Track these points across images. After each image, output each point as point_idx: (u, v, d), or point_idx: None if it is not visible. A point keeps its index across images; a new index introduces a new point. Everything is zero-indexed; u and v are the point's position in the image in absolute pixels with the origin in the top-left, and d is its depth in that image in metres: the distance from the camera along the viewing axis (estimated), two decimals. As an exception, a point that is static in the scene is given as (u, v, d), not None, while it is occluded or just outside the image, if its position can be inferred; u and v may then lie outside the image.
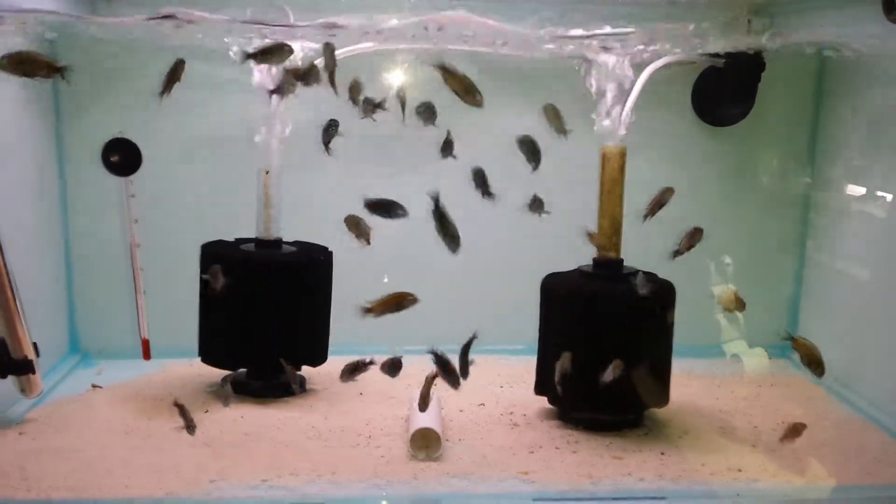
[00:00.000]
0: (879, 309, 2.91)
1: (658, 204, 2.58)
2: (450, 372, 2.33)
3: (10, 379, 2.56)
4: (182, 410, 2.50)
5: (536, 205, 2.52)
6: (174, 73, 2.44)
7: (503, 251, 3.24)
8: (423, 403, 2.40)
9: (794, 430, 2.44)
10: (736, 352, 3.23)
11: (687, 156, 3.34)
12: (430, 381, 2.39)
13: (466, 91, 2.38)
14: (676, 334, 2.70)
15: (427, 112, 2.50)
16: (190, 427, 2.48)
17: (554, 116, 2.49)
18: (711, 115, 3.28)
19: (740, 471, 2.41)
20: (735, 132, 3.30)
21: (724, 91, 3.17)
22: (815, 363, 2.40)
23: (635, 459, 2.46)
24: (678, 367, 2.76)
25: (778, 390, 3.07)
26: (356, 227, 2.46)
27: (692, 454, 2.51)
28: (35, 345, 2.56)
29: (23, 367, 2.53)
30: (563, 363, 2.48)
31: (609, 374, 2.44)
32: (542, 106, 2.51)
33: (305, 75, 2.46)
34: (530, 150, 2.49)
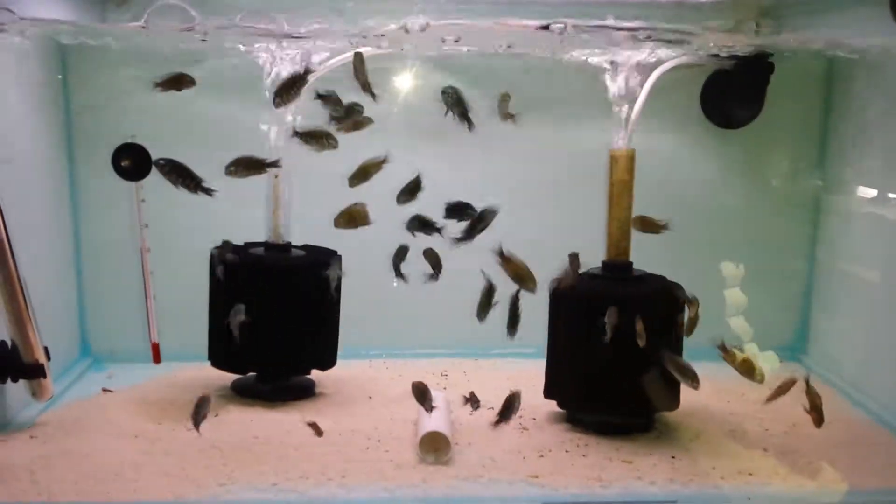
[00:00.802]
0: (891, 311, 2.89)
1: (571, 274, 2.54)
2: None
3: (22, 383, 2.57)
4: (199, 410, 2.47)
5: (415, 226, 2.51)
6: (176, 83, 2.49)
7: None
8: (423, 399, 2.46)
9: (782, 389, 2.44)
10: (748, 354, 3.22)
11: (696, 158, 3.33)
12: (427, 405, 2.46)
13: (521, 278, 2.42)
14: (687, 336, 2.68)
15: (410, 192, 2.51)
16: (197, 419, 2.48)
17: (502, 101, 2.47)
18: (720, 117, 3.27)
19: (751, 474, 2.39)
20: (744, 134, 3.29)
21: (733, 93, 3.16)
22: (816, 411, 2.43)
23: (645, 463, 2.45)
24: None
25: (789, 394, 3.04)
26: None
27: (703, 458, 2.50)
28: (46, 349, 2.57)
29: (34, 371, 2.54)
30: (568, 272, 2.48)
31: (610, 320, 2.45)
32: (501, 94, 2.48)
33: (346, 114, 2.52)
34: (453, 101, 2.41)
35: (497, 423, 2.46)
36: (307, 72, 2.49)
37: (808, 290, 3.41)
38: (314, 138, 2.51)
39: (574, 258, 2.49)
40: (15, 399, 2.63)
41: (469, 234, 2.49)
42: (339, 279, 2.86)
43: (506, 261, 2.41)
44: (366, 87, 2.49)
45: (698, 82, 3.23)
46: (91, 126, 3.12)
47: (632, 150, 2.68)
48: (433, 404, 2.48)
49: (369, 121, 2.57)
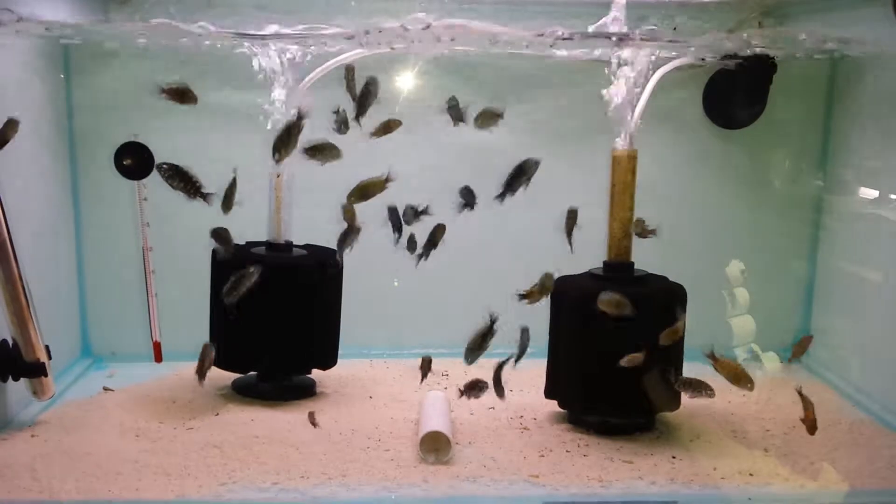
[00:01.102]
0: (892, 312, 2.88)
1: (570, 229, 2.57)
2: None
3: (23, 381, 2.57)
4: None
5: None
6: (180, 95, 2.51)
7: (514, 254, 3.24)
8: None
9: (802, 345, 2.42)
10: (748, 355, 3.22)
11: (698, 159, 3.32)
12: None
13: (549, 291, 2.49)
14: (688, 337, 2.68)
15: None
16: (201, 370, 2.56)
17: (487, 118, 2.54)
18: (723, 117, 3.26)
19: (752, 475, 2.39)
20: (746, 135, 3.28)
21: (735, 93, 3.16)
22: (809, 417, 2.43)
23: (646, 463, 2.45)
24: (690, 370, 2.74)
25: (790, 394, 3.02)
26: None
27: (703, 458, 2.49)
28: (47, 347, 2.58)
29: (35, 370, 2.54)
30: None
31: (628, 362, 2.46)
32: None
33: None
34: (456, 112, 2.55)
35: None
36: (300, 118, 2.50)
37: (810, 290, 3.40)
38: (320, 151, 2.51)
39: (572, 214, 2.50)
40: (16, 398, 2.63)
41: (511, 186, 2.48)
42: (341, 277, 2.86)
43: (529, 296, 2.46)
44: (356, 98, 2.54)
45: (700, 82, 3.22)
46: (93, 125, 3.12)
47: (634, 150, 2.68)
48: (436, 403, 2.49)
49: (398, 123, 2.60)
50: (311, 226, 2.91)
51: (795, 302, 3.41)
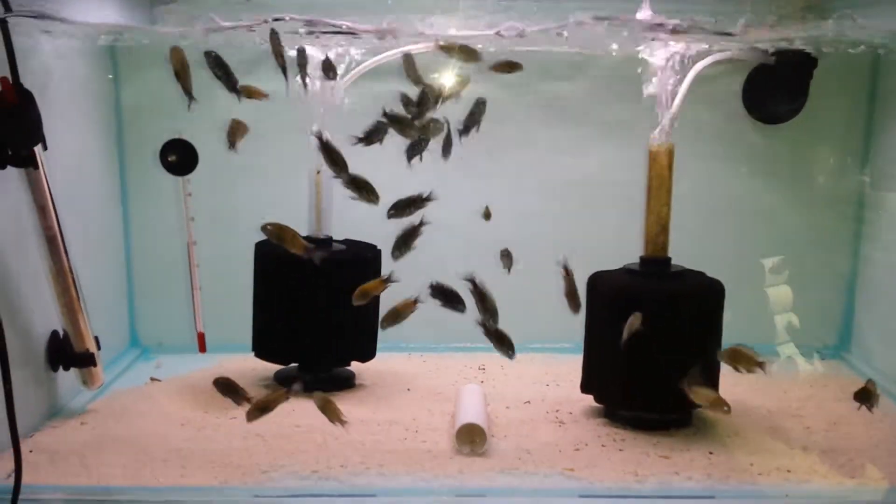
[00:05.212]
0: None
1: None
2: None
3: (73, 371, 2.66)
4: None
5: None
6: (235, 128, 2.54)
7: (550, 250, 3.24)
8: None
9: None
10: (789, 352, 3.18)
11: (737, 154, 3.29)
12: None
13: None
14: (727, 334, 2.66)
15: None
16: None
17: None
18: (762, 112, 3.23)
19: (790, 471, 2.37)
20: (787, 129, 3.24)
21: (775, 88, 3.12)
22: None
23: (683, 458, 2.44)
24: (728, 366, 2.72)
25: (831, 391, 3.01)
26: None
27: (741, 454, 2.48)
28: (97, 338, 2.66)
29: (85, 360, 2.63)
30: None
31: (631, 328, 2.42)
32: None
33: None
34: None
35: None
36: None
37: (852, 287, 3.35)
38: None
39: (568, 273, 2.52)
40: (67, 387, 2.72)
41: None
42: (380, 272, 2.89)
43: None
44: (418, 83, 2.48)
45: (740, 77, 3.19)
46: (140, 122, 3.20)
47: (671, 144, 2.67)
48: (472, 396, 2.49)
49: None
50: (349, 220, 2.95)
51: (837, 298, 3.36)
